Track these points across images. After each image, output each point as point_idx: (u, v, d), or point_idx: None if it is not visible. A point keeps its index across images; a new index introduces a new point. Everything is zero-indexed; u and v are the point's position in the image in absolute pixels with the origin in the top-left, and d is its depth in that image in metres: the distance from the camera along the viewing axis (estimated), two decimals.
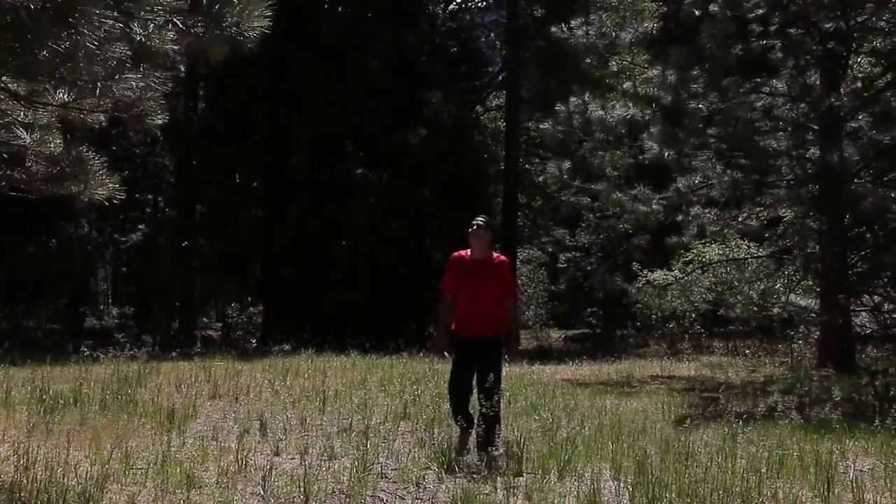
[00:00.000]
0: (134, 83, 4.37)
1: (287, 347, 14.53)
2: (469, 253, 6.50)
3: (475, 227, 6.43)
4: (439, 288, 6.60)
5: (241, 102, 21.93)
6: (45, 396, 7.84)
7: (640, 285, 16.98)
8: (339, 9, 24.68)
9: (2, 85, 5.06)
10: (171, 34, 4.35)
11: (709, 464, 5.33)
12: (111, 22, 3.53)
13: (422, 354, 13.71)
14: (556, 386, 10.54)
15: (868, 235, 12.82)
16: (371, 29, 22.45)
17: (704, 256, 16.85)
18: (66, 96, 5.00)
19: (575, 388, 10.53)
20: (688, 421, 7.69)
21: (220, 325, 28.44)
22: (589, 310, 28.11)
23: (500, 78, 29.70)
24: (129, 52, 4.30)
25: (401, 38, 22.88)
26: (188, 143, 23.83)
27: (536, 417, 7.26)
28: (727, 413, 7.49)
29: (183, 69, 22.66)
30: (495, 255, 6.60)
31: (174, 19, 4.25)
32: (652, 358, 15.88)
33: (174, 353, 12.43)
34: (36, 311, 27.61)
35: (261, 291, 25.13)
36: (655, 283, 17.24)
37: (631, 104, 12.88)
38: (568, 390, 10.11)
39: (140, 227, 29.49)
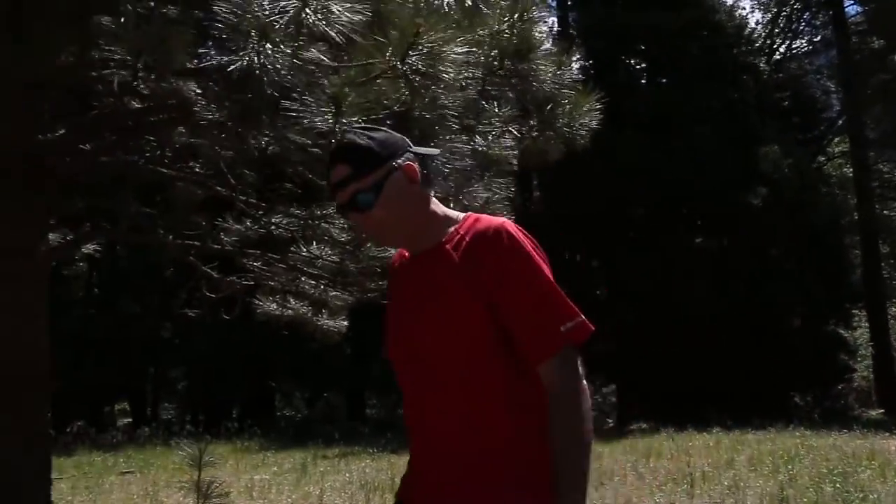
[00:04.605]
0: (482, 191, 4.75)
1: (644, 426, 14.33)
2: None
3: (333, 160, 2.03)
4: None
5: (574, 187, 22.57)
6: None
7: None
8: (656, 79, 24.74)
9: None
10: (508, 141, 4.71)
11: None
12: (458, 143, 3.90)
13: (791, 427, 12.76)
14: None
15: None
16: (691, 94, 22.16)
17: None
18: None
19: None
20: None
21: None
22: None
23: (840, 122, 27.65)
24: (474, 164, 4.71)
25: (724, 97, 22.29)
26: (528, 230, 25.01)
27: None
28: None
29: (515, 164, 24.08)
30: (458, 227, 2.14)
31: (510, 128, 4.60)
32: None
33: None
34: None
35: (611, 370, 25.14)
36: None
37: None
38: None
39: None
